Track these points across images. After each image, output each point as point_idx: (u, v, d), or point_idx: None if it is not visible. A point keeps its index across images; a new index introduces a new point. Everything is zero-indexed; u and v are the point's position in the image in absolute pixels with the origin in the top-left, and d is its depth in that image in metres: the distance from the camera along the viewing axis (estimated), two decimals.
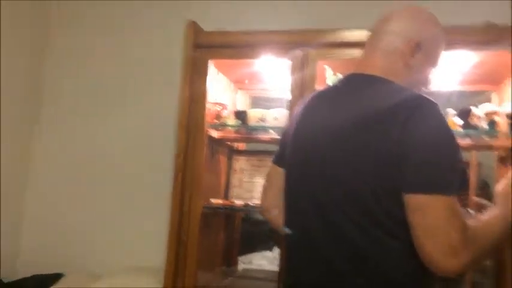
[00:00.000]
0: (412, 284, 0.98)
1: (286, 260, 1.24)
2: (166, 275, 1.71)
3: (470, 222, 0.91)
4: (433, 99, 0.97)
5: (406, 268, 0.96)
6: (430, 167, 0.90)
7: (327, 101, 1.13)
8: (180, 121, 1.76)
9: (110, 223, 2.29)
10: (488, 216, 0.98)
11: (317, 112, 1.12)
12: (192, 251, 1.72)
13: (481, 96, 2.01)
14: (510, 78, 1.82)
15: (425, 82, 1.14)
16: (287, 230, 1.13)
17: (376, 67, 1.09)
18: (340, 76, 1.67)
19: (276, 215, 1.20)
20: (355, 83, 1.10)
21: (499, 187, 1.04)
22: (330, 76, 1.77)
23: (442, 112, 0.97)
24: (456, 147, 0.95)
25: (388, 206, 0.94)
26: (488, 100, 1.96)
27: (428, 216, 0.88)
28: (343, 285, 0.98)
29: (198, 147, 1.76)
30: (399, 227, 0.94)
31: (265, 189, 1.28)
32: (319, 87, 1.63)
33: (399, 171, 0.92)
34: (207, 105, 1.80)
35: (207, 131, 1.82)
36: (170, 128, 1.82)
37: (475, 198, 1.80)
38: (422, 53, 1.08)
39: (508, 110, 1.68)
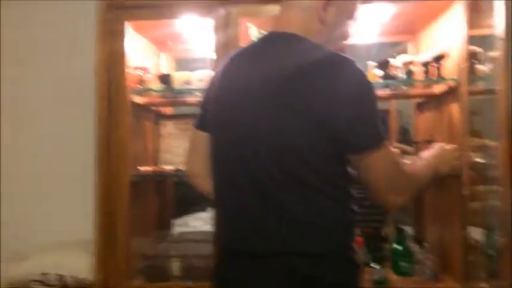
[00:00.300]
0: (339, 238, 1.02)
1: (217, 223, 1.24)
2: (96, 247, 1.68)
3: (408, 167, 1.10)
4: (347, 56, 0.99)
5: (333, 224, 1.01)
6: (365, 125, 0.96)
7: (246, 60, 1.10)
8: (98, 87, 1.68)
9: (33, 199, 2.18)
10: (421, 165, 1.21)
11: (238, 72, 1.09)
12: (122, 220, 1.69)
13: (399, 47, 2.09)
14: (426, 28, 1.90)
15: (344, 36, 1.15)
16: (216, 193, 1.13)
17: (293, 24, 1.08)
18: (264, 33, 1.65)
19: (203, 180, 1.19)
20: (273, 43, 1.08)
21: (429, 151, 1.34)
22: (255, 33, 1.74)
23: (360, 66, 0.98)
24: (376, 99, 0.99)
25: (313, 163, 0.96)
26: (406, 50, 2.04)
27: (378, 169, 0.98)
28: (273, 245, 0.99)
29: (121, 115, 1.70)
30: (325, 184, 0.98)
31: (190, 155, 1.25)
32: (244, 45, 1.61)
33: (325, 130, 0.94)
34: (128, 70, 1.72)
35: (130, 97, 1.74)
36: (91, 95, 1.72)
37: (397, 145, 1.92)
38: (335, 6, 1.07)
39: (423, 59, 1.76)
